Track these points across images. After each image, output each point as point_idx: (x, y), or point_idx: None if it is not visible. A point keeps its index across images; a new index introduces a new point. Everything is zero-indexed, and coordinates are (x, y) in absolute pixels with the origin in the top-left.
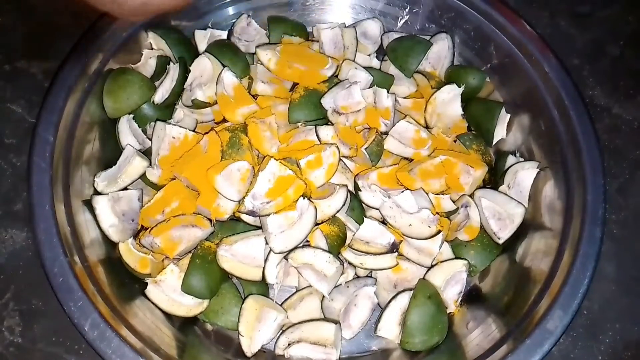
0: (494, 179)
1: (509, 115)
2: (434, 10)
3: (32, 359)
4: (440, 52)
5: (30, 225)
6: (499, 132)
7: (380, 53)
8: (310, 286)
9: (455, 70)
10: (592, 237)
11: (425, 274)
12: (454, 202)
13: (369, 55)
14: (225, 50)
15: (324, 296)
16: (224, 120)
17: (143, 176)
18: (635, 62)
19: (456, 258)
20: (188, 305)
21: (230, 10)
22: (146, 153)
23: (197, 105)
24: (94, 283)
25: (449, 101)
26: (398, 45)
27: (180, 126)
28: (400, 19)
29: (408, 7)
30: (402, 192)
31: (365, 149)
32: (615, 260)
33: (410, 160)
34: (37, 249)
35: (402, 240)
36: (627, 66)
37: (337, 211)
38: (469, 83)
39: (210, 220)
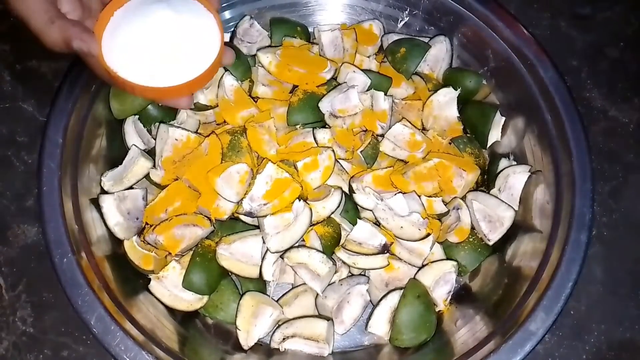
0: (487, 181)
1: (503, 119)
2: (433, 13)
3: (43, 348)
4: (439, 54)
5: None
6: (494, 135)
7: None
8: (305, 283)
9: (452, 73)
10: (578, 241)
11: (416, 273)
12: (446, 204)
13: (368, 57)
14: None
15: (318, 293)
16: (226, 122)
17: (147, 176)
18: (634, 64)
19: (447, 259)
20: (189, 300)
21: (235, 11)
22: (151, 152)
23: (198, 108)
24: (100, 279)
25: (445, 104)
26: (397, 47)
27: (183, 128)
28: (400, 21)
29: (408, 9)
30: (395, 195)
31: (361, 152)
32: (604, 262)
33: (406, 162)
34: (46, 247)
35: (392, 242)
36: (625, 68)
37: (332, 213)
38: (465, 86)
39: (210, 219)
